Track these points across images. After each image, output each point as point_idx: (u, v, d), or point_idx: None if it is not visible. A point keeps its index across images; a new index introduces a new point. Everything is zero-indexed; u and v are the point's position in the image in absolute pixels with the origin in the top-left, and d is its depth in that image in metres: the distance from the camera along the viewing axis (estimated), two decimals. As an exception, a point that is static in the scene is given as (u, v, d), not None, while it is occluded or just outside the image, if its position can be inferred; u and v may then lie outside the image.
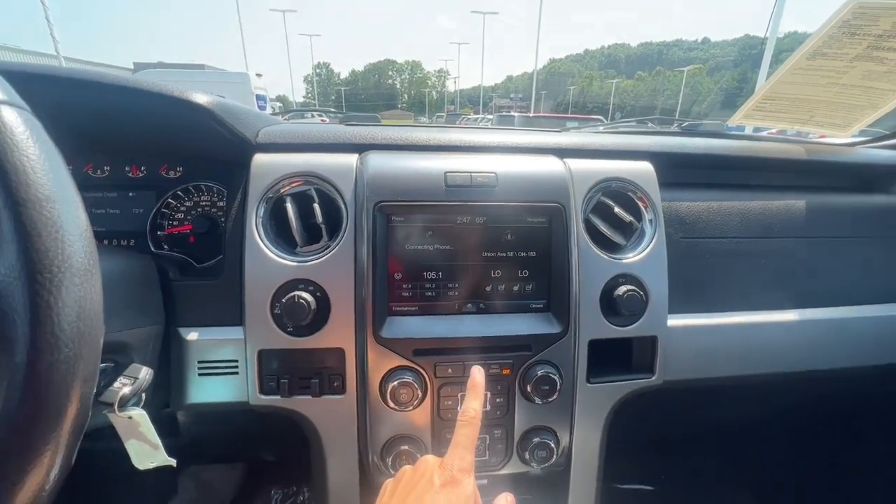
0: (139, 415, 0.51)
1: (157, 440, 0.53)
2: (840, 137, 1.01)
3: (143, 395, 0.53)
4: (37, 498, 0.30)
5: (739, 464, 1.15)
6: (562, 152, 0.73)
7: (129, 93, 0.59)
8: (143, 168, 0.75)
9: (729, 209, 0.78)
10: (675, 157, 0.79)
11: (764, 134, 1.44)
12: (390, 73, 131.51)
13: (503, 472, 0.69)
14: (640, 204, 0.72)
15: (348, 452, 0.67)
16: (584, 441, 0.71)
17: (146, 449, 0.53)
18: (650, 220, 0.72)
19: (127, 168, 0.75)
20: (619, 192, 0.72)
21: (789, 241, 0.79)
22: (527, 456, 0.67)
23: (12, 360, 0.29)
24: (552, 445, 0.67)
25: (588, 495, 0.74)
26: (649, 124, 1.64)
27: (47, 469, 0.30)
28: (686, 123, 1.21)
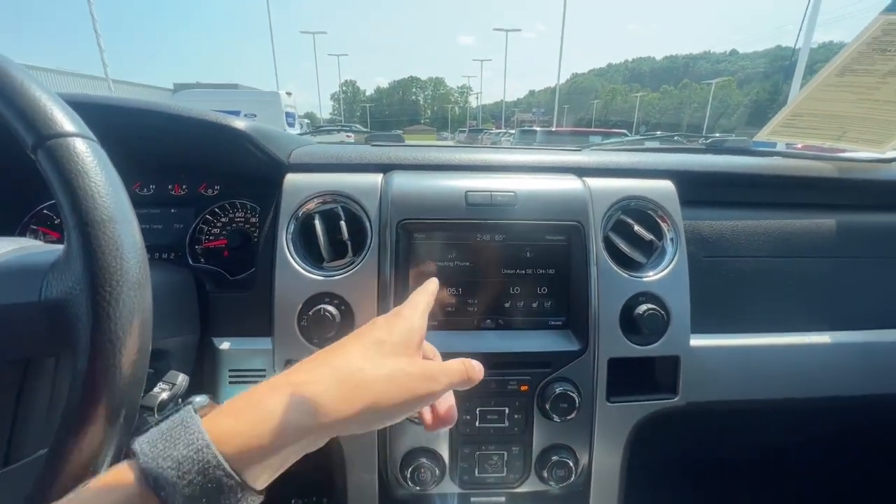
0: (176, 419, 0.54)
1: (191, 444, 0.56)
2: (875, 153, 0.98)
3: (180, 400, 0.56)
4: None
5: (765, 492, 1.09)
6: (581, 171, 0.74)
7: (176, 120, 0.64)
8: (184, 186, 0.80)
9: (754, 228, 0.77)
10: (697, 176, 0.78)
11: (797, 147, 1.40)
12: (414, 89, 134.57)
13: (521, 489, 0.69)
14: (660, 222, 0.72)
15: (368, 463, 0.68)
16: (604, 461, 0.70)
17: (180, 452, 0.56)
18: (671, 239, 0.72)
19: (170, 186, 0.80)
20: (639, 211, 0.73)
21: (818, 262, 0.77)
22: (545, 474, 0.66)
23: (75, 366, 0.32)
24: (571, 464, 0.66)
25: None
26: (675, 138, 1.62)
27: (101, 466, 0.32)
28: (711, 139, 1.19)
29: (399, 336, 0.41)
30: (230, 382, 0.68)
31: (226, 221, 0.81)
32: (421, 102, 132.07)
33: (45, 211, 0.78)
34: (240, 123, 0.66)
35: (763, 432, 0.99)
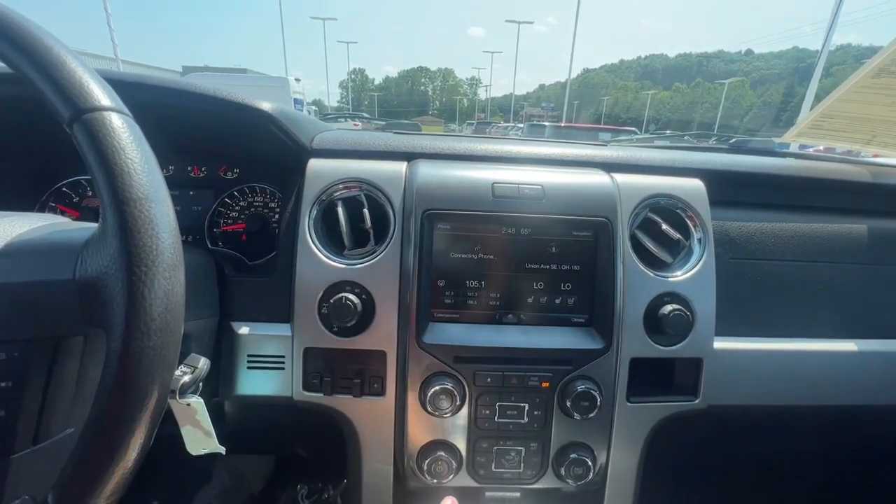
0: (197, 402, 0.54)
1: (211, 428, 0.56)
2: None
3: (200, 384, 0.56)
4: (124, 473, 0.32)
5: (781, 498, 1.09)
6: (609, 166, 0.73)
7: (200, 98, 0.63)
8: (203, 168, 0.80)
9: (783, 231, 0.75)
10: (727, 176, 0.77)
11: (811, 151, 1.38)
12: (423, 80, 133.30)
13: (536, 486, 0.69)
14: (688, 222, 0.71)
15: (384, 454, 0.68)
16: (621, 461, 0.70)
17: (200, 436, 0.56)
18: (699, 239, 0.70)
19: (189, 168, 0.79)
20: (668, 209, 0.71)
21: (846, 268, 0.75)
22: (562, 472, 0.66)
23: (108, 347, 0.31)
24: (589, 463, 0.66)
25: None
26: (686, 137, 1.59)
27: (133, 447, 0.32)
28: (734, 139, 1.17)
29: None
30: (248, 367, 0.67)
31: (245, 205, 0.80)
32: (430, 93, 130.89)
33: (64, 189, 0.78)
34: (265, 105, 0.65)
35: (783, 437, 0.98)
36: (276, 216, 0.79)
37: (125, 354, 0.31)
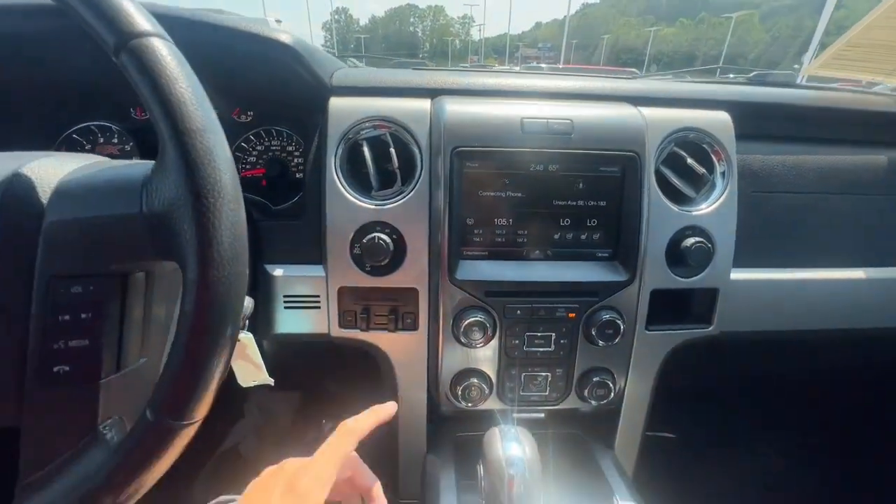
0: (247, 338, 0.56)
1: (261, 361, 0.59)
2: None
3: (247, 321, 0.59)
4: (210, 392, 0.35)
5: (779, 421, 1.18)
6: (636, 100, 0.71)
7: (216, 30, 0.60)
8: (216, 112, 0.77)
9: (805, 163, 0.75)
10: (755, 108, 0.75)
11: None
12: (411, 19, 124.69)
13: (559, 407, 0.74)
14: (713, 156, 0.71)
15: (419, 382, 0.73)
16: (637, 384, 0.75)
17: (251, 369, 0.59)
18: (722, 173, 0.71)
19: None
20: (693, 143, 0.71)
21: (866, 199, 0.77)
22: (585, 393, 0.71)
23: (186, 277, 0.33)
24: (610, 385, 0.71)
25: (634, 436, 0.80)
26: (687, 77, 1.53)
27: (218, 366, 0.34)
28: (754, 73, 1.13)
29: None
30: (285, 307, 0.70)
31: (262, 150, 0.78)
32: (419, 34, 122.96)
33: (74, 136, 0.76)
34: (284, 37, 0.62)
35: (786, 361, 1.05)
36: (295, 160, 0.77)
37: (203, 282, 0.32)
